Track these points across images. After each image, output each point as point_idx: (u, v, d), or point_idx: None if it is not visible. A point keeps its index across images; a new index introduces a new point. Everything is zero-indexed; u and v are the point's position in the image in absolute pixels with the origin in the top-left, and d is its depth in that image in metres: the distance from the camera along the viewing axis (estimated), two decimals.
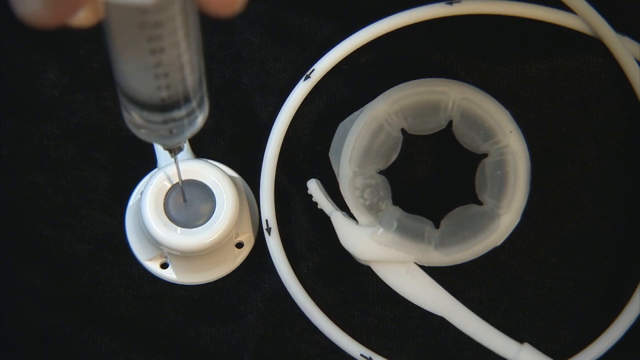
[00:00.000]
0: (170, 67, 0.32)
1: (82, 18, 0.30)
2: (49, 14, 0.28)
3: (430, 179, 0.51)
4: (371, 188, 0.47)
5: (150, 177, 0.47)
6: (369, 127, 0.47)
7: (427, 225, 0.47)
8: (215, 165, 0.48)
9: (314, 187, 0.48)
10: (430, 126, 0.48)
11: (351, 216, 0.47)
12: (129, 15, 0.29)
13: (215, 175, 0.47)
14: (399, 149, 0.48)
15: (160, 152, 0.50)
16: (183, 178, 0.46)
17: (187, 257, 0.47)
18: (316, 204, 0.48)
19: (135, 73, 0.32)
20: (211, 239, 0.46)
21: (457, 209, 0.47)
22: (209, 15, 0.29)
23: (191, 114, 0.35)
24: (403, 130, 0.48)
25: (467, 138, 0.47)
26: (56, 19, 0.28)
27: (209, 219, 0.46)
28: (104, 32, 0.30)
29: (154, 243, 0.47)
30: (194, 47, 0.32)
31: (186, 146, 0.50)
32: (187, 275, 0.49)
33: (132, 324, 0.49)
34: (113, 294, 0.50)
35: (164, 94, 0.33)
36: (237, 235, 0.50)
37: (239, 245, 0.50)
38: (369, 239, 0.47)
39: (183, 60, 0.32)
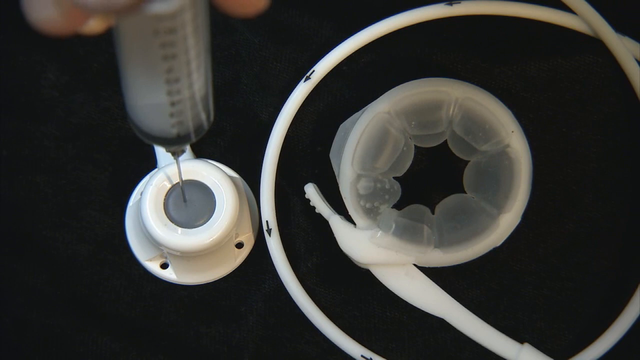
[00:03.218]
0: (181, 72, 0.31)
1: (93, 26, 0.30)
2: (62, 22, 0.28)
3: (431, 179, 0.51)
4: (374, 191, 0.47)
5: (150, 177, 0.47)
6: (372, 128, 0.47)
7: (425, 222, 0.46)
8: (215, 165, 0.48)
9: (312, 191, 0.48)
10: (434, 131, 0.47)
11: (349, 219, 0.47)
12: (143, 22, 0.28)
13: (215, 175, 0.47)
14: (411, 156, 0.47)
15: (161, 152, 0.50)
16: (183, 178, 0.46)
17: (187, 257, 0.47)
18: (314, 208, 0.48)
19: (145, 78, 0.32)
20: (211, 239, 0.46)
21: (451, 197, 0.47)
22: (230, 15, 0.29)
23: (197, 118, 0.35)
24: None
25: (463, 143, 0.47)
26: (69, 27, 0.28)
27: (209, 219, 0.46)
28: (114, 40, 0.30)
29: (154, 243, 0.47)
30: (204, 51, 0.32)
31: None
32: (187, 275, 0.49)
33: (132, 324, 0.49)
34: (113, 294, 0.50)
35: (175, 98, 0.33)
36: (237, 236, 0.50)
37: (239, 245, 0.50)
38: (367, 241, 0.46)
39: (192, 67, 0.31)
